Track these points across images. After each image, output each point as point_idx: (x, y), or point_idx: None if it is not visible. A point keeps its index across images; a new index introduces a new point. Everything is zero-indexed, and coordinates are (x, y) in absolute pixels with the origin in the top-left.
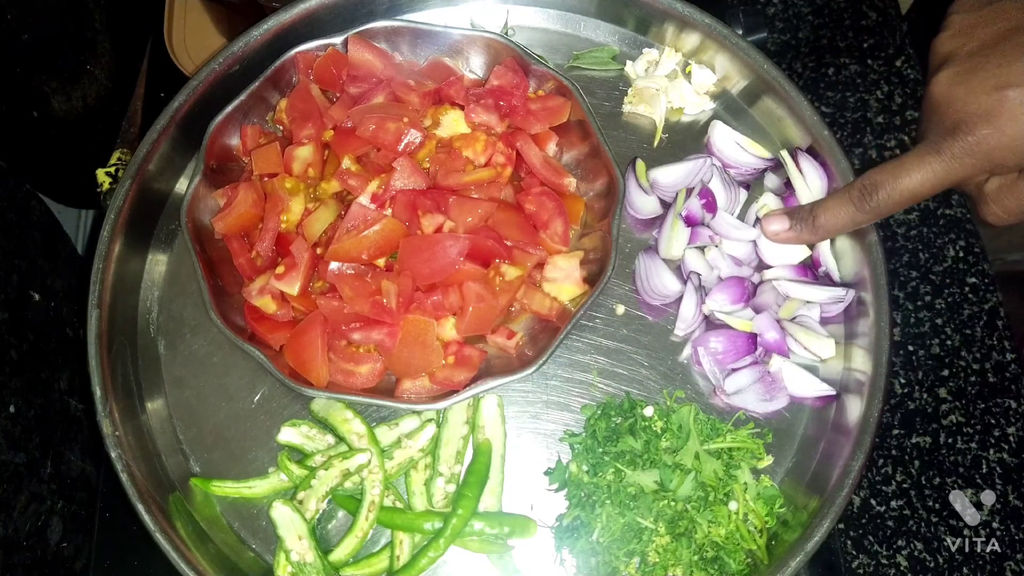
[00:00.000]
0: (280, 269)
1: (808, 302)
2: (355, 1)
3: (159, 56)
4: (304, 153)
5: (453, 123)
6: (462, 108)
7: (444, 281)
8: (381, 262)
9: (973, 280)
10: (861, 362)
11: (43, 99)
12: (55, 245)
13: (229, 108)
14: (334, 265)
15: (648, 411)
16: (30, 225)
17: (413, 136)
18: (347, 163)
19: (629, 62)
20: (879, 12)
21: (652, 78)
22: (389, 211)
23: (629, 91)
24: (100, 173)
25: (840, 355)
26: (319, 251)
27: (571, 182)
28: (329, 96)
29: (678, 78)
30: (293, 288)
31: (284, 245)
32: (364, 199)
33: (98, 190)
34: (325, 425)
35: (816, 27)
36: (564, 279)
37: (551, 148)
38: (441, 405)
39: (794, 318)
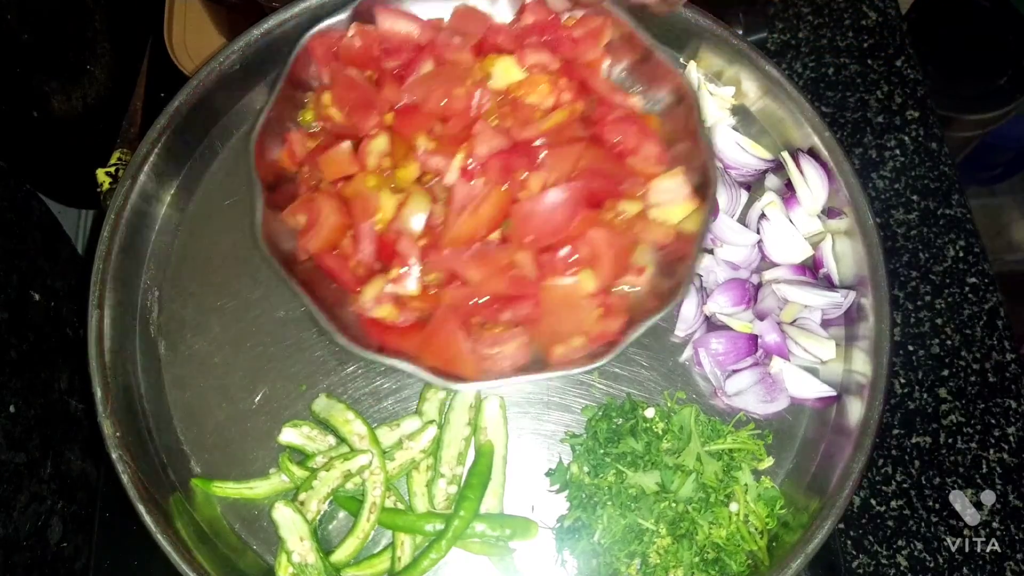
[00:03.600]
0: (394, 272)
1: (808, 306)
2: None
3: (159, 56)
4: (379, 145)
5: (505, 72)
6: (509, 54)
7: (566, 237)
8: (495, 236)
9: (973, 280)
10: (861, 364)
11: (43, 99)
12: (55, 245)
13: (262, 120)
14: (448, 252)
15: (649, 412)
16: (30, 225)
17: (484, 97)
18: (423, 143)
19: None
20: (879, 12)
21: None
22: (481, 181)
23: None
24: (100, 173)
25: (841, 356)
26: (422, 243)
27: (636, 100)
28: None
29: (702, 91)
30: (412, 288)
31: (386, 247)
32: (453, 176)
33: (98, 190)
34: (326, 426)
35: (816, 27)
36: (672, 200)
37: (604, 70)
38: (604, 360)
39: (795, 321)
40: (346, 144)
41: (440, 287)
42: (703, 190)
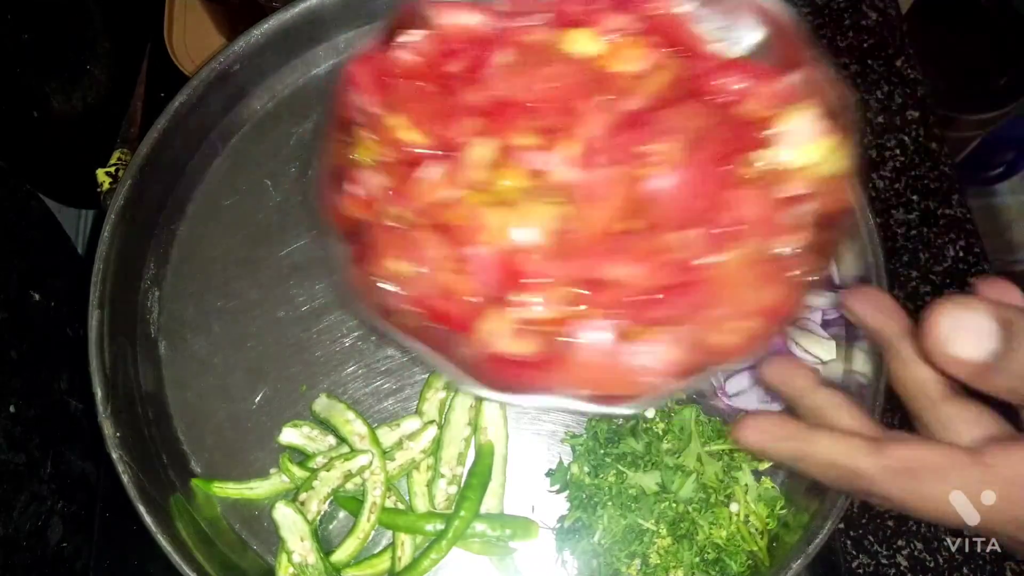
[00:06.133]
0: (521, 296)
1: (807, 306)
2: (355, 1)
3: (159, 56)
4: (481, 153)
5: (584, 46)
6: (585, 26)
7: (708, 207)
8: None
9: (973, 280)
10: (861, 364)
11: (43, 99)
12: (55, 245)
13: (321, 173)
14: (588, 255)
15: (649, 413)
16: (30, 225)
17: (578, 76)
18: (521, 140)
19: None
20: (879, 12)
21: None
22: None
23: None
24: (100, 173)
25: (841, 356)
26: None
27: (723, 44)
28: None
29: None
30: (547, 310)
31: (499, 272)
32: (564, 171)
33: (98, 190)
34: (327, 426)
35: (816, 27)
36: (806, 139)
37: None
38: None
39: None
40: (440, 165)
41: (571, 303)
42: (839, 119)
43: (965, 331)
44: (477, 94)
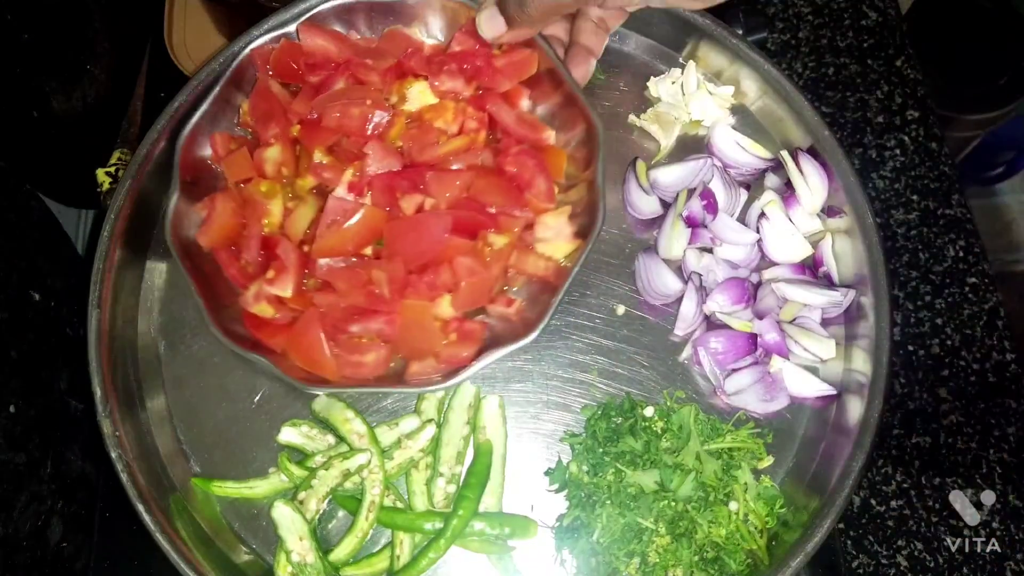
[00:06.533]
0: (271, 274)
1: (807, 305)
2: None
3: (159, 56)
4: (273, 154)
5: (420, 95)
6: (426, 78)
7: (434, 260)
8: (368, 251)
9: (973, 280)
10: (861, 363)
11: (43, 99)
12: (55, 245)
13: (195, 119)
14: (322, 261)
15: (648, 411)
16: (30, 225)
17: (379, 117)
18: (319, 156)
19: (652, 80)
20: (879, 12)
21: (676, 105)
22: (368, 198)
23: (649, 111)
24: (100, 173)
25: (840, 356)
26: (307, 249)
27: (549, 135)
28: (292, 89)
29: (701, 90)
30: (286, 290)
31: (271, 249)
32: (341, 190)
33: (98, 190)
34: (326, 425)
35: (816, 27)
36: (555, 237)
37: (524, 103)
38: (453, 382)
39: (794, 319)
40: (244, 150)
41: (316, 291)
42: (587, 231)
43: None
44: (304, 107)
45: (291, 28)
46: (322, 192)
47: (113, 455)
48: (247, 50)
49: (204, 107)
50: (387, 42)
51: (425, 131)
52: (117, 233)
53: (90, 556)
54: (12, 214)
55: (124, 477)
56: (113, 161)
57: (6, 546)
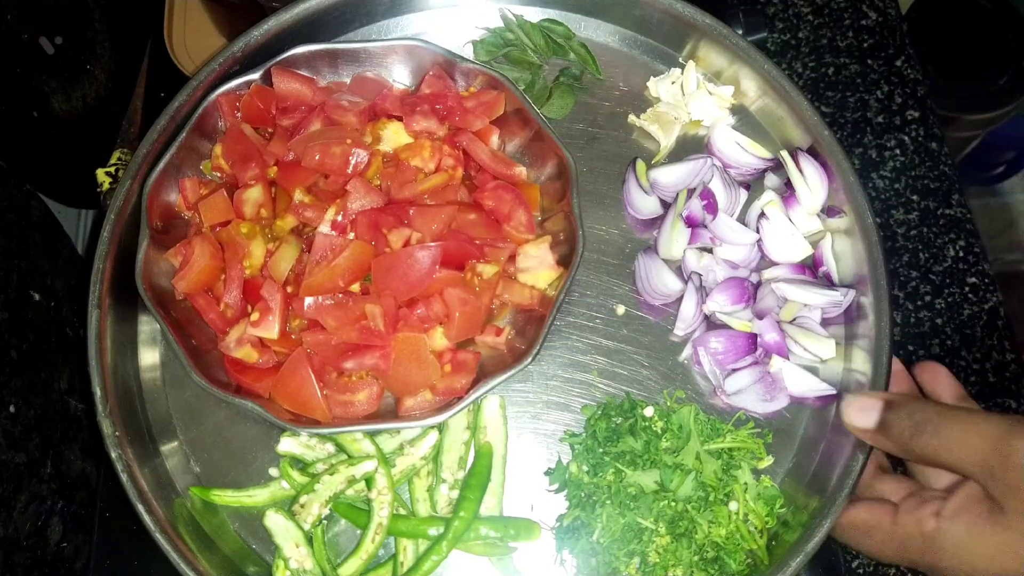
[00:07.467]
0: (255, 316)
1: (807, 305)
2: (355, 1)
3: (159, 56)
4: (253, 195)
5: (394, 135)
6: (399, 119)
7: (424, 293)
8: (355, 287)
9: (973, 280)
10: (861, 362)
11: (43, 99)
12: (55, 245)
13: (161, 165)
14: (310, 300)
15: (648, 411)
16: (30, 225)
17: (360, 156)
18: (299, 196)
19: (652, 80)
20: (879, 12)
21: (676, 105)
22: (352, 235)
23: (649, 111)
24: (100, 173)
25: (840, 356)
26: (289, 289)
27: (521, 171)
28: (261, 133)
29: (701, 90)
30: (272, 332)
31: (252, 291)
32: (324, 228)
33: (98, 190)
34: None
35: (816, 27)
36: (538, 266)
37: (494, 141)
38: (448, 415)
39: (794, 319)
40: (222, 192)
41: (303, 332)
42: (568, 259)
43: (858, 408)
44: (281, 149)
45: (254, 76)
46: (300, 233)
47: (113, 455)
48: (212, 96)
49: (169, 153)
50: (357, 86)
51: (403, 170)
52: (117, 233)
53: (90, 556)
54: (12, 214)
55: (124, 477)
56: (113, 161)
57: (6, 546)
